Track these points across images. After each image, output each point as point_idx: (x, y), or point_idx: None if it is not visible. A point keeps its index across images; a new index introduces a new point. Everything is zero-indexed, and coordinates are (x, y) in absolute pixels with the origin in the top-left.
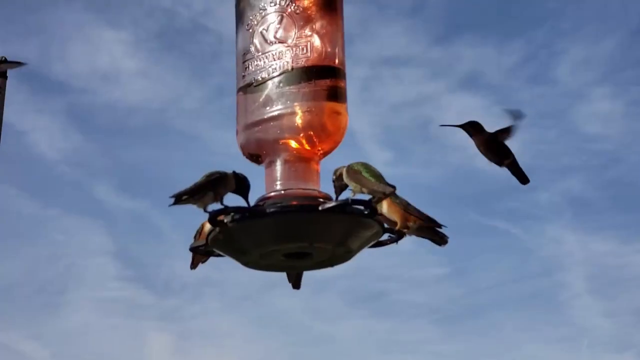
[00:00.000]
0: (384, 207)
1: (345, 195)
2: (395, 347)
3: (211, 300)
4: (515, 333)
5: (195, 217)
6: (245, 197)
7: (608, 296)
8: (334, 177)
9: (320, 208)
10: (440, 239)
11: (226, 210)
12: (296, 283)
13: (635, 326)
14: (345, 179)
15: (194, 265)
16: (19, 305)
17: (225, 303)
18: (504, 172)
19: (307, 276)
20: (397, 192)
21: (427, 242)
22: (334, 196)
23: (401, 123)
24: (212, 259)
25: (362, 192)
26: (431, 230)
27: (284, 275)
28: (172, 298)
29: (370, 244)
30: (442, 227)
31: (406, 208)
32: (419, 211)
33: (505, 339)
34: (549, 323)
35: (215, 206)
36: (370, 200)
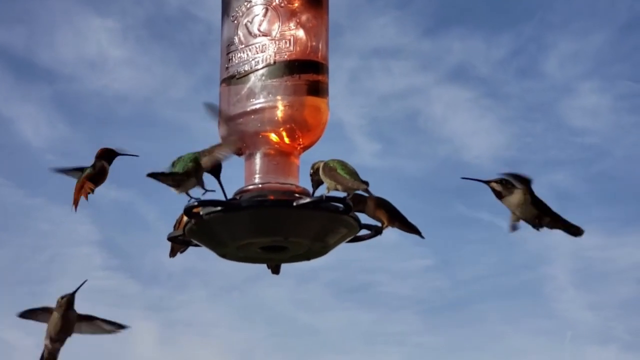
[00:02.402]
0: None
1: (322, 190)
2: (380, 338)
3: (197, 290)
4: (500, 325)
5: (181, 207)
6: (218, 178)
7: (592, 289)
8: (312, 171)
9: (294, 204)
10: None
11: (202, 203)
12: (275, 269)
13: (619, 319)
14: (321, 176)
15: (172, 254)
16: (3, 294)
17: (211, 293)
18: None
19: (293, 267)
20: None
21: (412, 235)
22: (311, 190)
23: (389, 115)
24: (197, 249)
25: (337, 189)
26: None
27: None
28: (158, 288)
29: (347, 240)
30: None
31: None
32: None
33: (489, 330)
34: (533, 315)
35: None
36: (345, 197)
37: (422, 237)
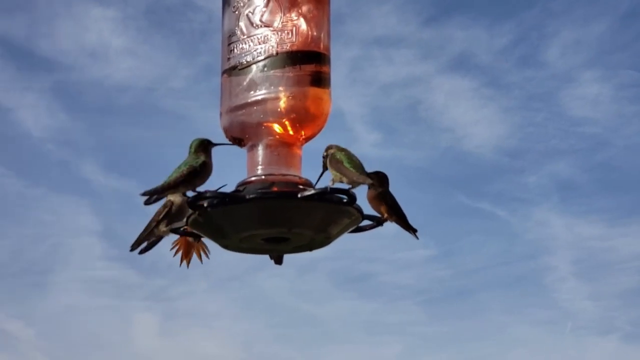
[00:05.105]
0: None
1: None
2: (381, 328)
3: (198, 281)
4: (501, 315)
5: None
6: None
7: (593, 279)
8: (325, 153)
9: (299, 195)
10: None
11: (206, 195)
12: (278, 260)
13: (620, 310)
14: (328, 167)
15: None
16: (4, 285)
17: (212, 284)
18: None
19: (294, 258)
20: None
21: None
22: (314, 178)
23: (391, 104)
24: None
25: (342, 182)
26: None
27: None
28: (159, 278)
29: (350, 230)
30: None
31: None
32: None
33: (490, 321)
34: (534, 306)
35: None
36: (349, 188)
37: (416, 237)
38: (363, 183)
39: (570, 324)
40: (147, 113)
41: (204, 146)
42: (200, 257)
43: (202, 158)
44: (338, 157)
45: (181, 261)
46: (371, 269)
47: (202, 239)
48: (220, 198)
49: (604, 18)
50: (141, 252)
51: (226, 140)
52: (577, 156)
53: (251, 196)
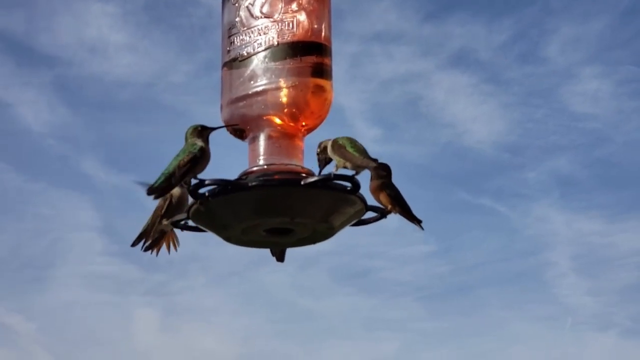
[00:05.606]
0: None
1: (329, 170)
2: (381, 324)
3: (198, 276)
4: (501, 311)
5: None
6: None
7: (593, 275)
8: (319, 150)
9: (302, 182)
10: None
11: (208, 183)
12: (280, 256)
13: (619, 305)
14: (330, 153)
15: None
16: (4, 279)
17: (212, 279)
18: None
19: (294, 252)
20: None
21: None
22: (317, 170)
23: (391, 100)
24: (199, 235)
25: (346, 167)
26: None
27: (269, 250)
28: (159, 273)
29: (353, 222)
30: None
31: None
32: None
33: (490, 317)
34: (534, 301)
35: None
36: (353, 175)
37: (421, 228)
38: (367, 167)
39: (570, 320)
40: (147, 108)
41: (199, 132)
42: (168, 247)
43: (199, 144)
44: (341, 142)
45: (157, 250)
46: (371, 265)
47: (174, 230)
48: (222, 185)
49: (604, 15)
50: (146, 250)
51: (221, 124)
52: (576, 152)
53: (253, 183)
